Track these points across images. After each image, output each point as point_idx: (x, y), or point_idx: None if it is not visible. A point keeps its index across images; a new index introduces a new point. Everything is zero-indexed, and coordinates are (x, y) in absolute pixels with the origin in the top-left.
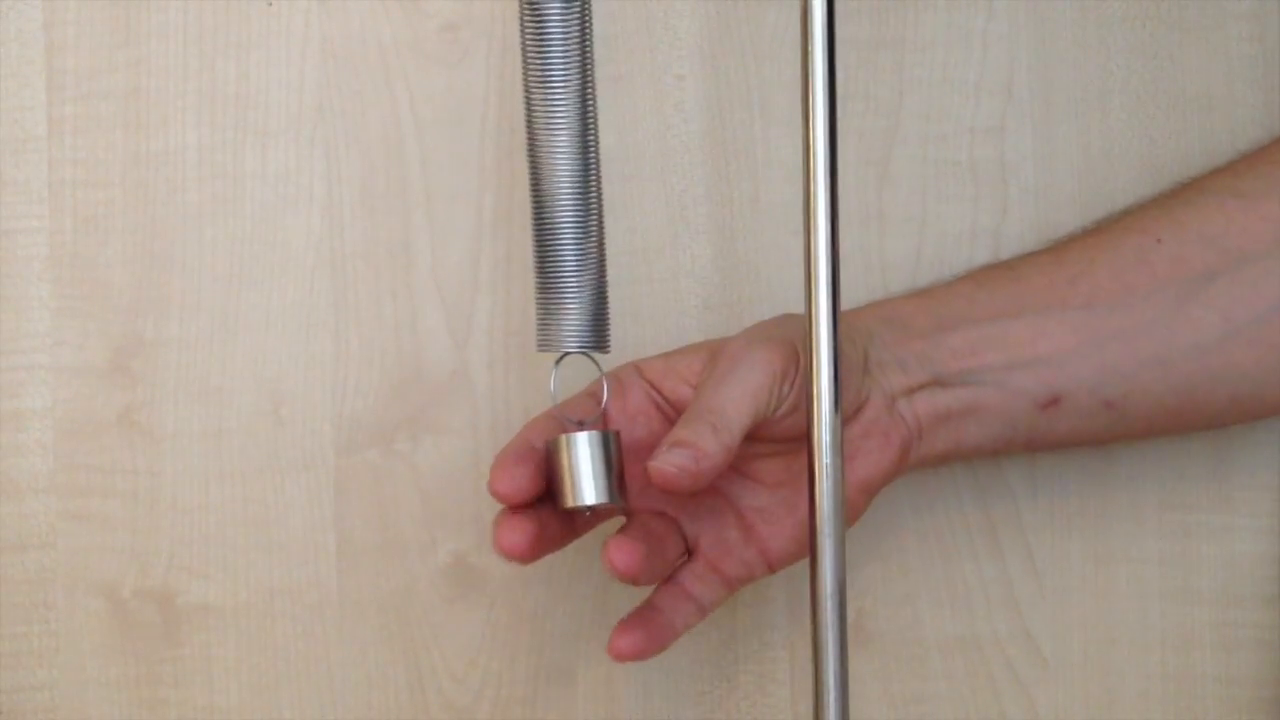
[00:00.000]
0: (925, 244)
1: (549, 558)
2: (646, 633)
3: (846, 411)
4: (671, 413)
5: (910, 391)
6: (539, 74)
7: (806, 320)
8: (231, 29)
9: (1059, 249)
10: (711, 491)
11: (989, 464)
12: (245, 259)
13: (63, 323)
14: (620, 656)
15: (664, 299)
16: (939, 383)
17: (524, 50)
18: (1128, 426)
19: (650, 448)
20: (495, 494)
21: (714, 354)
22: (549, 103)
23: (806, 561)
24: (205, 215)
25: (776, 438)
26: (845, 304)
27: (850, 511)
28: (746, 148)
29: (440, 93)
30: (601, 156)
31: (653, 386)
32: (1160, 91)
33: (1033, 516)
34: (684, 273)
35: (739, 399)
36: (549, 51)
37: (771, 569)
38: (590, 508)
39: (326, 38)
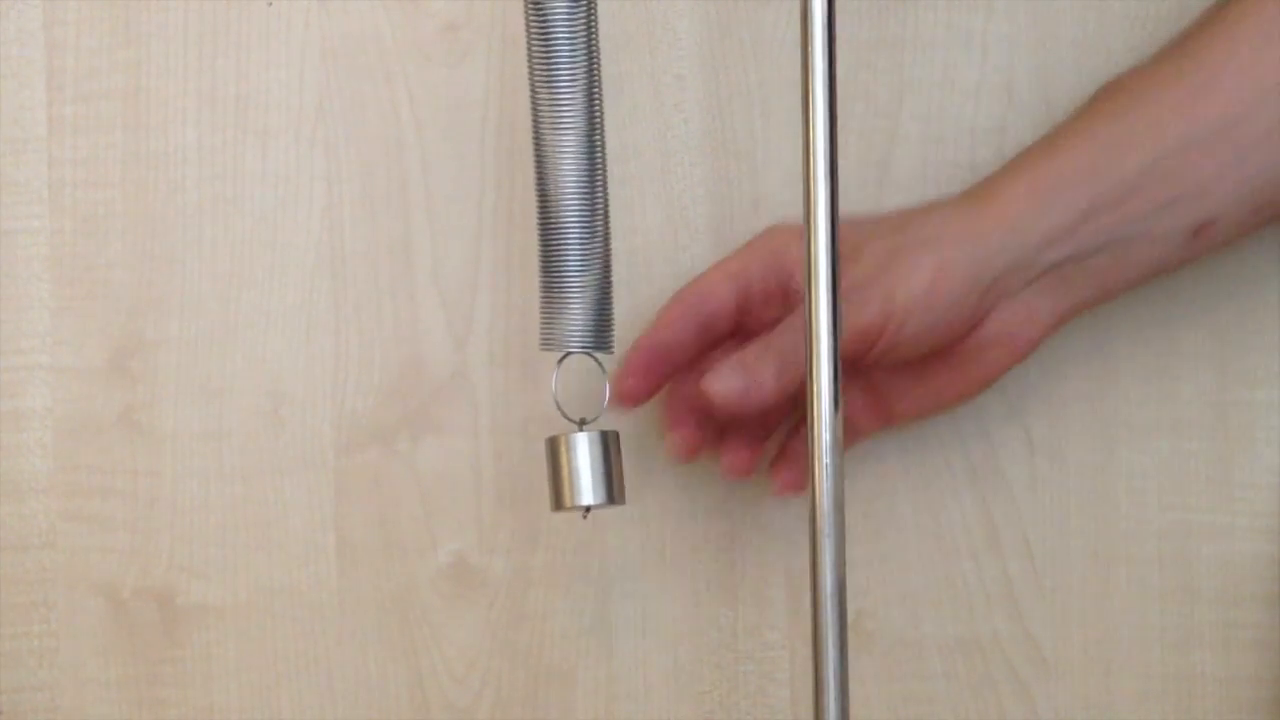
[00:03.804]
0: None
1: (549, 557)
2: (799, 470)
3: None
4: (794, 300)
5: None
6: (545, 74)
7: (806, 320)
8: (231, 29)
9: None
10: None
11: (989, 463)
12: (245, 259)
13: (63, 323)
14: (783, 490)
15: (664, 299)
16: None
17: (529, 50)
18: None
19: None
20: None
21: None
22: (555, 103)
23: (807, 561)
24: (205, 215)
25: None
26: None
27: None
28: (746, 148)
29: (440, 93)
30: None
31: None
32: None
33: (1033, 516)
34: (684, 273)
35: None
36: (555, 51)
37: (891, 423)
38: (588, 508)
39: (326, 38)
